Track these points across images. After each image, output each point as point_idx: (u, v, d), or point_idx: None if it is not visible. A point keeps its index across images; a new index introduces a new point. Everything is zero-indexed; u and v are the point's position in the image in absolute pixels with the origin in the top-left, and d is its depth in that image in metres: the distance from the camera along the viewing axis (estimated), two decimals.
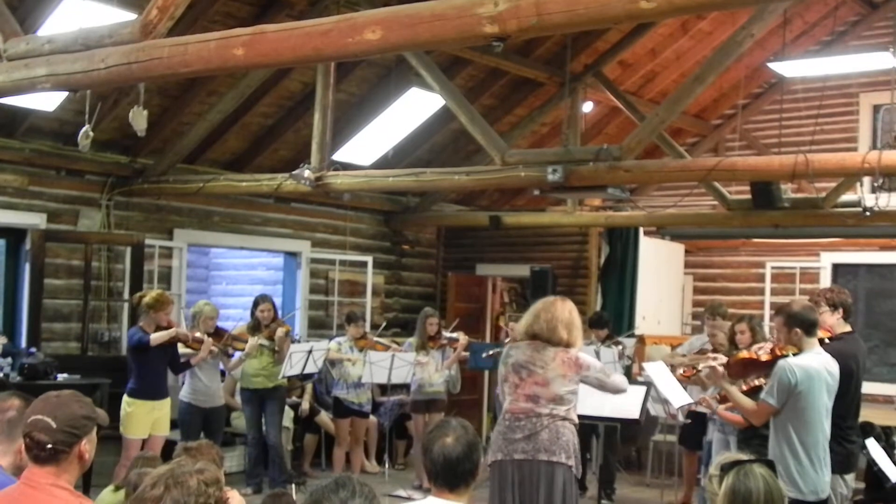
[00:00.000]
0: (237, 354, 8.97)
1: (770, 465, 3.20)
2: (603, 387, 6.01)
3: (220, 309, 9.58)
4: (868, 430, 7.07)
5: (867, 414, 7.10)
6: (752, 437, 6.20)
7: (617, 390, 6.13)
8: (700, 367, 6.42)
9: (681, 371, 7.23)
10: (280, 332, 9.13)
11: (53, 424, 3.23)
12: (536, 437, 5.68)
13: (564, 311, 5.86)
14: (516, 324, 6.59)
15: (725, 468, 3.15)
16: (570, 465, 5.70)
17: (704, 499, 6.74)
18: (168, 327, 8.19)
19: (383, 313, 12.69)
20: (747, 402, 5.84)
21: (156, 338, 7.98)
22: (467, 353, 10.14)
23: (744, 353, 6.40)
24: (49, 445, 3.23)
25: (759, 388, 5.96)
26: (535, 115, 11.84)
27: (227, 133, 10.45)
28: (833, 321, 6.10)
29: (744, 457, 3.21)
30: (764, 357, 6.03)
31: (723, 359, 6.24)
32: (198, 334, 8.49)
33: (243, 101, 9.63)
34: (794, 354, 5.62)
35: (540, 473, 5.66)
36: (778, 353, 5.83)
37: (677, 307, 12.98)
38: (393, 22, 4.01)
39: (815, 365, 5.50)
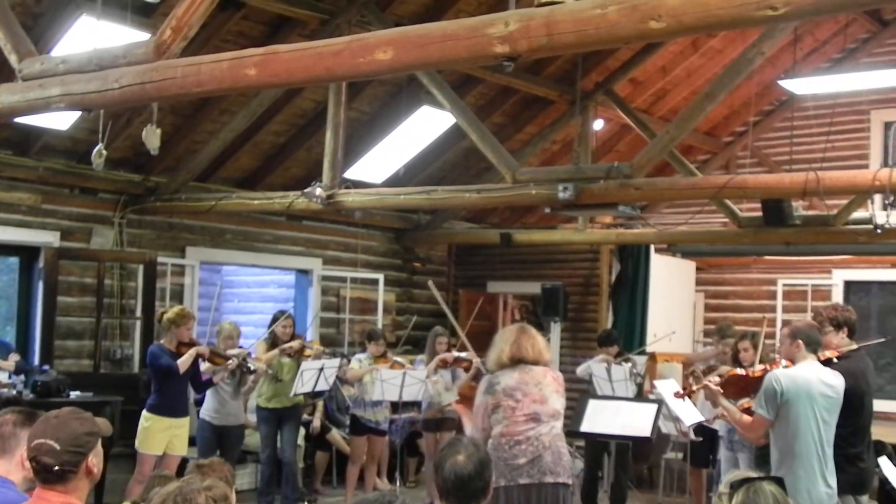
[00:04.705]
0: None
1: (779, 482, 3.21)
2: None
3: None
4: (879, 448, 7.04)
5: (880, 432, 7.06)
6: (769, 453, 6.18)
7: None
8: (695, 387, 6.43)
9: (675, 392, 7.26)
10: (315, 349, 9.11)
11: (57, 446, 3.23)
12: (540, 459, 5.67)
13: (536, 336, 5.92)
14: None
15: (735, 486, 3.16)
16: (570, 483, 5.77)
17: None
18: (190, 343, 8.17)
19: (394, 331, 12.70)
20: (743, 418, 5.84)
21: (183, 362, 7.94)
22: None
23: (737, 371, 6.41)
24: (56, 468, 3.24)
25: None
26: (545, 132, 11.87)
27: (240, 151, 10.50)
28: (838, 340, 6.03)
29: (753, 474, 3.22)
30: (756, 373, 6.04)
31: (717, 378, 6.26)
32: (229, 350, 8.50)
33: (255, 119, 9.67)
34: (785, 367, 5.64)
35: (547, 496, 5.66)
36: (769, 368, 5.84)
37: (689, 324, 12.95)
38: (404, 42, 4.03)
39: (804, 374, 5.48)
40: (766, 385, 5.50)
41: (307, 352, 9.03)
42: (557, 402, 5.75)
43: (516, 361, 5.80)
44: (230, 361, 8.34)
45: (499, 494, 5.75)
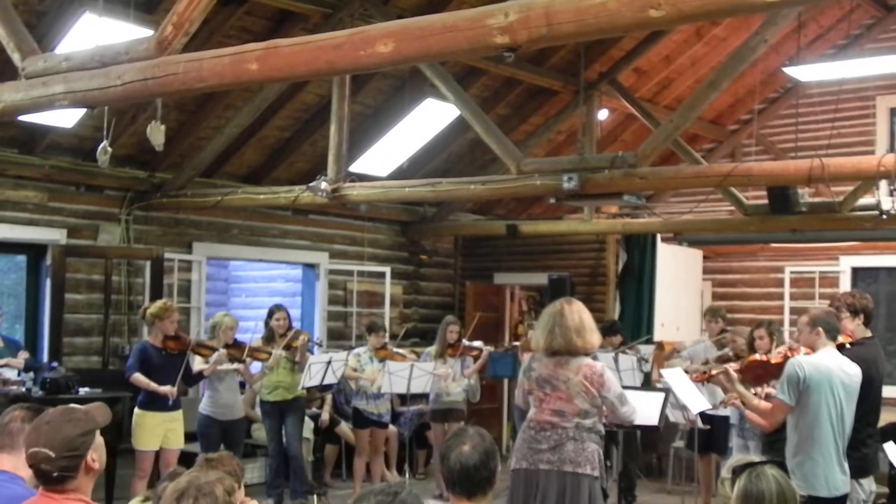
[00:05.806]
0: (255, 366, 8.99)
1: (782, 466, 3.21)
2: (614, 413, 5.82)
3: (240, 321, 9.60)
4: (890, 432, 7.04)
5: (887, 418, 7.07)
6: (777, 440, 6.19)
7: (624, 421, 5.96)
8: (714, 371, 6.43)
9: (693, 375, 7.24)
10: (301, 339, 9.15)
11: (52, 454, 3.23)
12: (562, 448, 5.66)
13: (573, 317, 5.74)
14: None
15: (737, 471, 3.16)
16: (596, 475, 5.68)
17: None
18: (175, 336, 8.22)
19: (402, 323, 12.73)
20: (761, 404, 5.85)
21: (135, 378, 8.03)
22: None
23: (756, 357, 6.41)
24: (55, 474, 3.25)
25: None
26: (550, 123, 11.86)
27: (245, 146, 10.51)
28: (853, 326, 6.06)
29: (755, 459, 3.23)
30: (776, 360, 6.04)
31: (736, 364, 6.25)
32: (221, 346, 8.52)
33: (260, 114, 9.68)
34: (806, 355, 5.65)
35: (566, 485, 5.65)
36: (789, 355, 5.84)
37: (696, 313, 12.94)
38: (404, 34, 4.03)
39: (825, 362, 5.52)
40: (788, 371, 5.52)
41: (295, 342, 9.08)
42: (585, 402, 5.68)
43: (551, 353, 5.78)
44: (218, 353, 8.39)
45: (520, 476, 5.76)
